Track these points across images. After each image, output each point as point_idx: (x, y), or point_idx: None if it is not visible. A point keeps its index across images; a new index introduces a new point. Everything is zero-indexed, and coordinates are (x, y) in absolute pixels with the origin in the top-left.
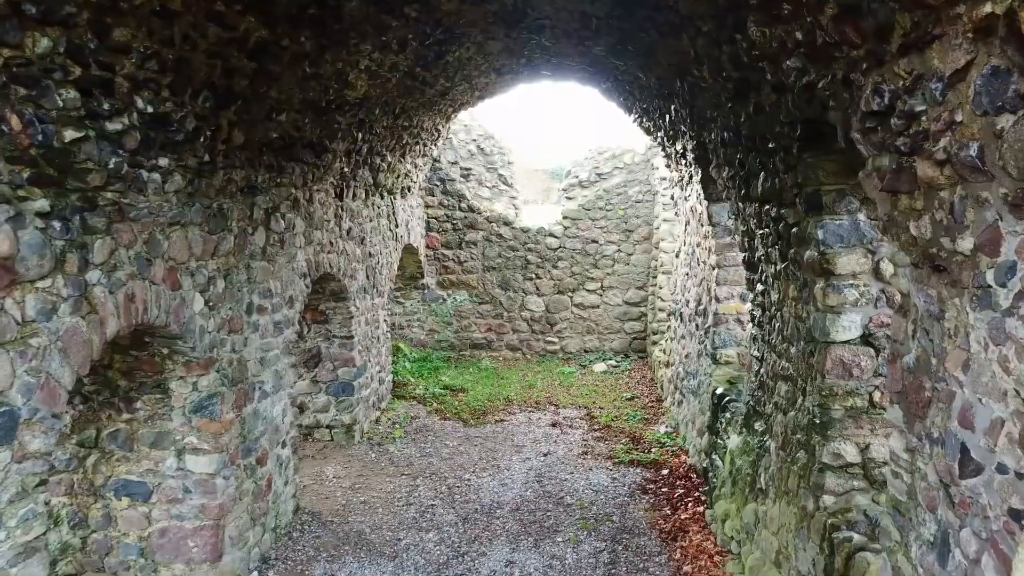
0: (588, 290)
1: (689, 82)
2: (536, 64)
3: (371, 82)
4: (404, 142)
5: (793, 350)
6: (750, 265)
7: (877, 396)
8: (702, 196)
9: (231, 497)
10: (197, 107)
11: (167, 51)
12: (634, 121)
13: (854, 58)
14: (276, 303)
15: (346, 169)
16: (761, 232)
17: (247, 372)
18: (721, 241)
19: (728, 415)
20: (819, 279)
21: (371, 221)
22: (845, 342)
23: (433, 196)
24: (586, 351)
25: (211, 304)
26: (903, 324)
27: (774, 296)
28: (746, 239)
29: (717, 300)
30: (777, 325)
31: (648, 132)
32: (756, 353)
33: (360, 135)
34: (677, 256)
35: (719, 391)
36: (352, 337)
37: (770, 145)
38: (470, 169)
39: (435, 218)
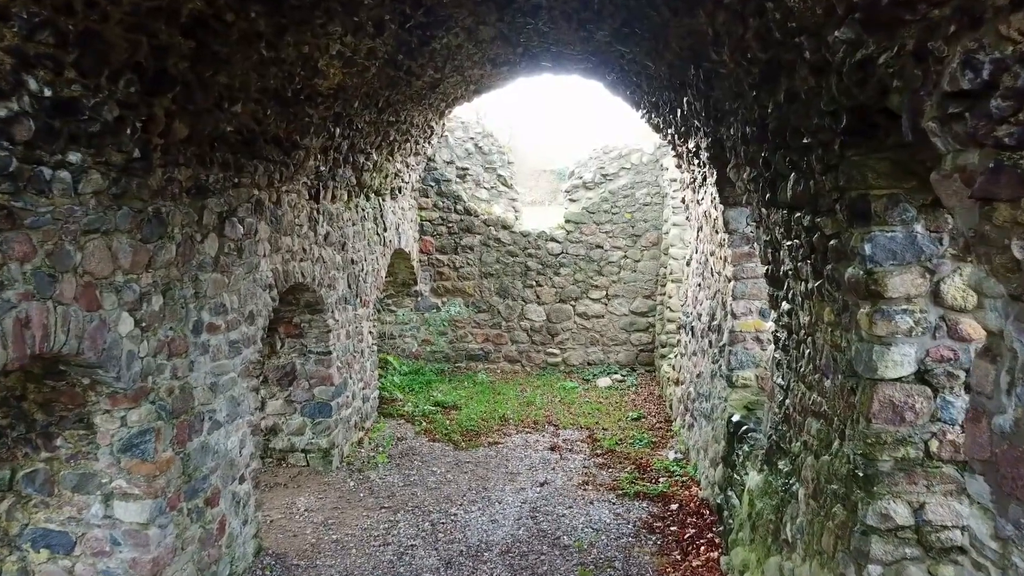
0: (592, 299)
1: (705, 69)
2: (534, 54)
3: (346, 70)
4: (392, 139)
5: (828, 383)
6: (774, 280)
7: (935, 446)
8: (717, 200)
9: (169, 548)
10: (119, 92)
11: (65, 20)
12: (642, 117)
13: (934, 20)
14: (232, 320)
15: (323, 168)
16: (789, 243)
17: (193, 401)
18: (739, 250)
19: (746, 448)
20: (864, 302)
21: (354, 225)
22: (896, 380)
23: (427, 197)
24: (589, 364)
25: (144, 325)
26: (991, 373)
27: (804, 318)
28: (769, 250)
29: (733, 316)
30: (807, 352)
31: (657, 129)
32: (780, 381)
33: (338, 130)
34: (688, 264)
35: (735, 418)
36: (330, 353)
37: (804, 141)
38: (467, 169)
39: (429, 221)
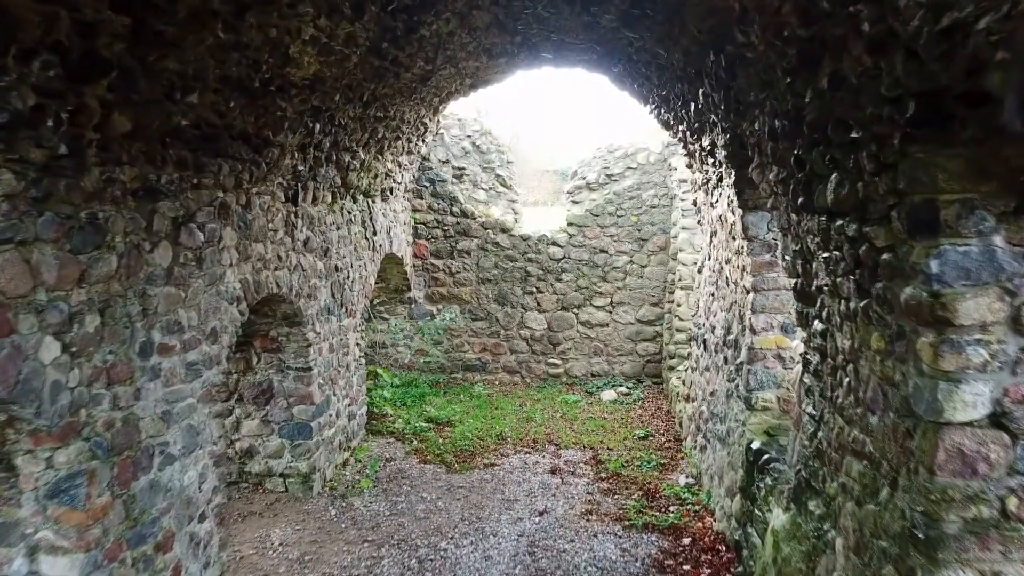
0: (596, 306)
1: (727, 54)
2: (534, 44)
3: (323, 59)
4: (381, 136)
5: (874, 421)
6: (803, 295)
7: (1013, 504)
8: (735, 203)
9: None
10: (32, 76)
11: None
12: (651, 112)
13: None
14: (190, 339)
15: (301, 167)
16: (826, 255)
17: (139, 434)
18: (759, 259)
19: (769, 480)
20: (927, 329)
21: (338, 229)
22: (966, 424)
23: (421, 199)
24: (593, 375)
25: (74, 350)
26: None
27: (843, 342)
28: (799, 261)
29: (752, 331)
30: (847, 381)
31: (667, 126)
32: (810, 410)
33: (317, 126)
34: (700, 271)
35: (755, 445)
36: (310, 369)
37: (852, 135)
38: (464, 169)
39: (424, 224)
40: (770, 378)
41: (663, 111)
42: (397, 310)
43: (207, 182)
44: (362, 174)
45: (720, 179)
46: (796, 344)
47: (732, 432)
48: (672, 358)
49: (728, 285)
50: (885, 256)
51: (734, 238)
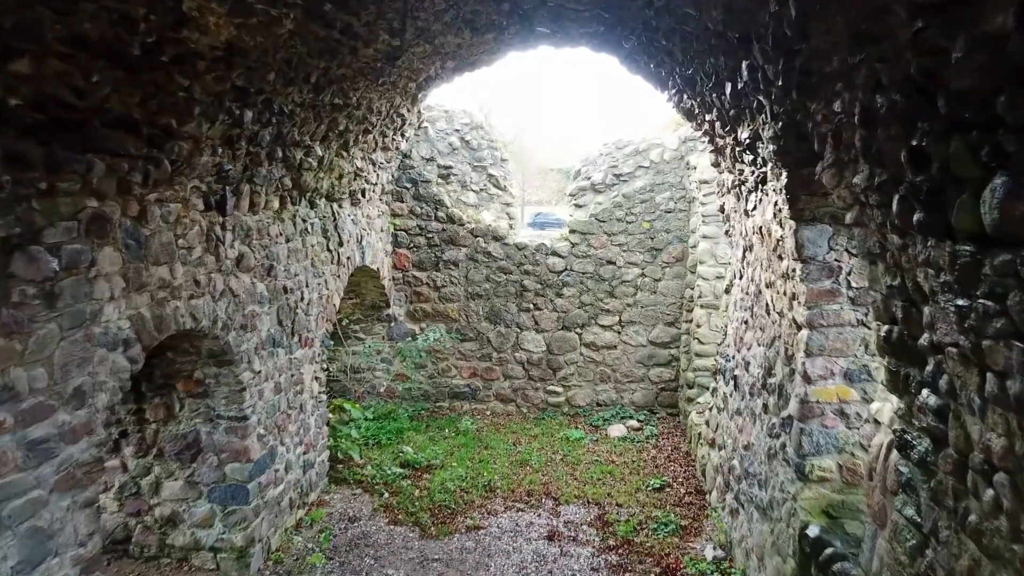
0: (602, 325)
1: (798, 6)
2: (526, 14)
3: (238, 20)
4: (344, 129)
5: None
6: (901, 349)
7: None
8: (785, 213)
9: None
10: None
11: None
12: (669, 100)
13: None
14: (33, 408)
15: (229, 166)
16: (961, 302)
17: None
18: (817, 287)
19: None
20: None
21: (288, 241)
22: None
23: (402, 202)
24: (599, 405)
25: None
26: None
27: (986, 436)
28: (898, 302)
29: (806, 379)
30: (993, 497)
31: (689, 116)
32: (912, 514)
33: (248, 113)
34: (727, 291)
35: (812, 530)
36: (245, 418)
37: None
38: (451, 168)
39: (405, 231)
40: (829, 440)
41: (686, 96)
42: (374, 329)
43: (67, 186)
44: (321, 174)
45: (762, 181)
46: (877, 408)
47: (777, 504)
48: (691, 387)
49: (769, 314)
50: None
51: (780, 257)
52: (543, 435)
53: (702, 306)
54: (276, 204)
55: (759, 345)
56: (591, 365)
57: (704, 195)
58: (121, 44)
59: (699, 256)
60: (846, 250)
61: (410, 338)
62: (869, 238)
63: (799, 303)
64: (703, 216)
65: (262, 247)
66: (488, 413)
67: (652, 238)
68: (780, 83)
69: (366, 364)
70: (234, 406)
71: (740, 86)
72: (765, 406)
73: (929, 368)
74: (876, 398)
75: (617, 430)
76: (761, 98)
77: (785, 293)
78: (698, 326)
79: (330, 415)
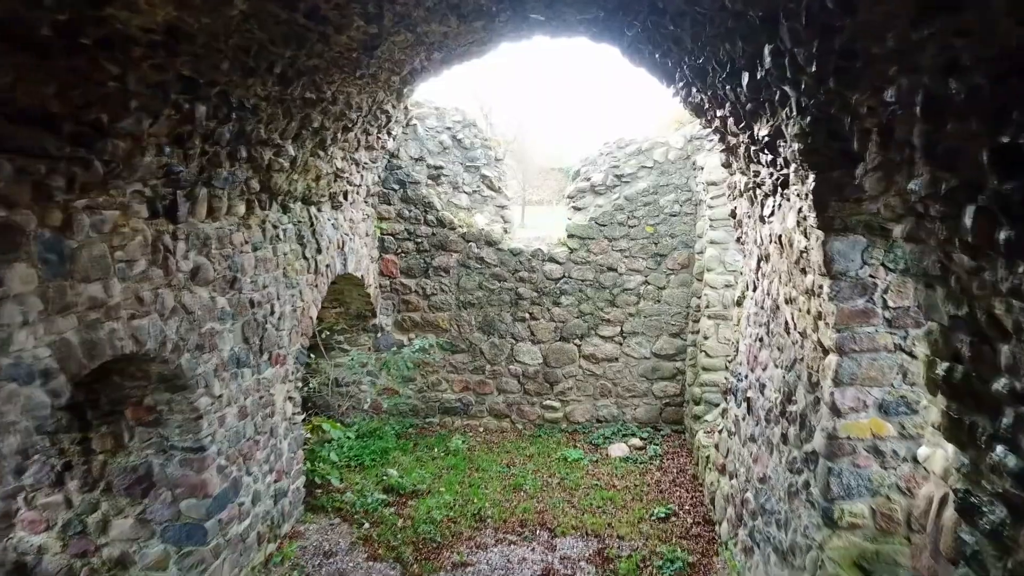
0: (603, 336)
1: None
2: (519, 0)
3: None
4: (319, 126)
5: None
6: (965, 393)
7: None
8: (812, 221)
9: None
10: None
11: None
12: (676, 94)
13: None
14: None
15: (181, 168)
16: None
17: None
18: (849, 306)
19: None
20: None
21: (256, 250)
22: None
23: (389, 204)
24: (599, 421)
25: None
26: None
27: None
28: (963, 335)
29: (835, 411)
30: None
31: (698, 111)
32: None
33: (201, 107)
34: (739, 304)
35: None
36: (202, 449)
37: None
38: (441, 168)
39: (392, 235)
40: (862, 482)
41: (695, 90)
42: (360, 340)
43: None
44: (295, 176)
45: (782, 184)
46: (926, 455)
47: (799, 550)
48: (697, 404)
49: (788, 333)
50: None
51: (804, 271)
52: (539, 455)
53: (710, 316)
54: (241, 209)
55: (776, 367)
56: (591, 379)
57: (712, 198)
58: (23, 22)
59: (706, 263)
60: (882, 264)
61: (397, 349)
62: (926, 256)
63: (827, 324)
64: (711, 220)
65: (223, 257)
66: (481, 430)
67: (656, 243)
68: (812, 69)
69: (352, 378)
70: (190, 436)
71: (760, 75)
72: (784, 436)
73: (1006, 420)
74: (920, 436)
75: (618, 449)
76: (787, 88)
77: (809, 311)
78: (705, 338)
79: (309, 435)
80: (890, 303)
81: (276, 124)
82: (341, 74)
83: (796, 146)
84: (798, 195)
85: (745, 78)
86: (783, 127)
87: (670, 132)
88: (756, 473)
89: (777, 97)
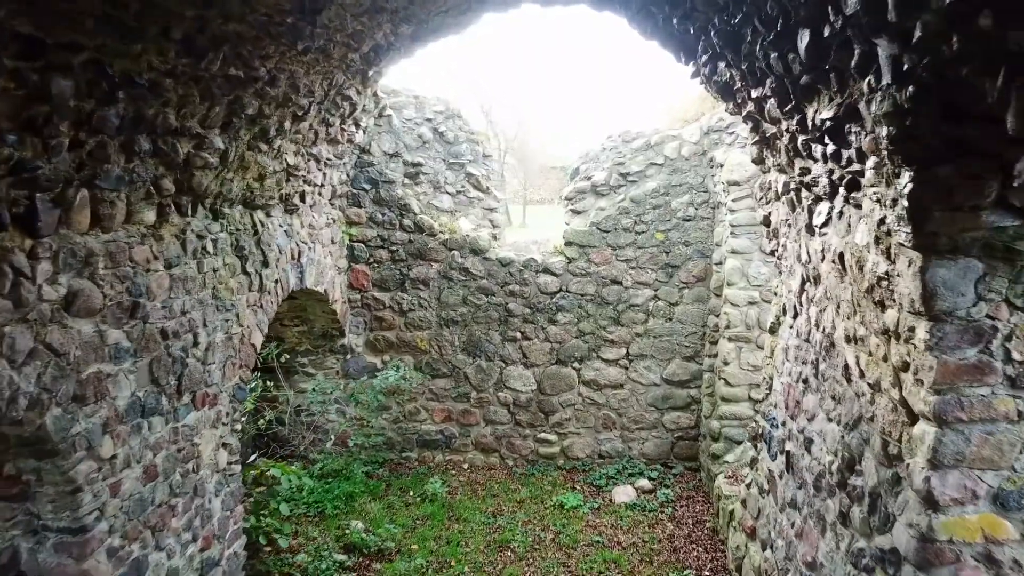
0: (606, 359)
1: None
2: None
3: None
4: (256, 113)
5: None
6: None
7: None
8: (902, 238)
9: None
10: None
11: None
12: (697, 73)
13: None
14: None
15: (42, 165)
16: None
17: None
18: (956, 360)
19: None
20: None
21: (170, 267)
22: None
23: (359, 207)
24: (601, 457)
25: None
26: None
27: None
28: None
29: (930, 503)
30: None
31: (725, 93)
32: None
33: (64, 84)
34: (773, 332)
35: None
36: (85, 529)
37: None
38: (420, 165)
39: (363, 242)
40: None
41: (724, 64)
42: (327, 363)
43: None
44: (229, 174)
45: (848, 185)
46: None
47: None
48: (716, 440)
49: (851, 382)
50: None
51: (882, 304)
52: (531, 500)
53: (730, 338)
54: (150, 216)
55: (830, 420)
56: (592, 408)
57: (733, 200)
58: None
59: (726, 276)
60: (1005, 300)
61: (369, 373)
62: None
63: (919, 381)
64: (732, 226)
65: (118, 279)
66: (465, 466)
67: (667, 252)
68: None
69: (318, 407)
70: (66, 513)
71: (831, 31)
72: (844, 516)
73: None
74: None
75: (624, 493)
76: (881, 43)
77: (886, 359)
78: (725, 363)
79: (255, 486)
80: (1015, 355)
81: (192, 108)
82: (278, 47)
83: (885, 130)
84: (879, 200)
85: (805, 38)
86: (860, 105)
87: (683, 125)
88: (801, 553)
89: (855, 61)
